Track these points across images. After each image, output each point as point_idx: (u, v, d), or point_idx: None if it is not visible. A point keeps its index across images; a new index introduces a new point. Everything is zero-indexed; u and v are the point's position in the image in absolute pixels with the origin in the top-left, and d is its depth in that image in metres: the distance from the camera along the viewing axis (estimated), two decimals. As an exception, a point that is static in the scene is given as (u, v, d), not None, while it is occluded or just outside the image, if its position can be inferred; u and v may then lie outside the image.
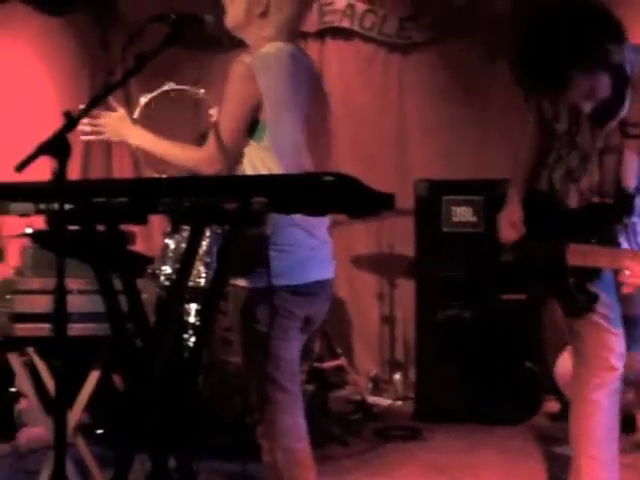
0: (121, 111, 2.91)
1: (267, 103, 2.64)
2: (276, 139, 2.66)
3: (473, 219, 5.13)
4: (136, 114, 3.40)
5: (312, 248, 2.74)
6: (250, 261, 2.67)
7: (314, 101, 2.80)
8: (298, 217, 2.39)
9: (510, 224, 3.21)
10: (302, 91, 2.72)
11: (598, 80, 2.81)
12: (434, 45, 6.00)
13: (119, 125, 2.90)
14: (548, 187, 3.15)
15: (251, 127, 2.69)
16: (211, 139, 2.73)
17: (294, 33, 2.83)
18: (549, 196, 3.15)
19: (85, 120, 2.85)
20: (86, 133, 2.90)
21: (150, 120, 6.53)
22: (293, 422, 2.80)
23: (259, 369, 2.73)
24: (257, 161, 2.70)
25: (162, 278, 4.37)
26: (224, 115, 2.71)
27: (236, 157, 2.73)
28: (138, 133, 2.90)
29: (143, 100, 3.52)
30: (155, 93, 3.54)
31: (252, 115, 2.67)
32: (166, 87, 3.59)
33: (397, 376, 5.87)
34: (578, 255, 2.97)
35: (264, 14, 2.76)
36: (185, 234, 4.48)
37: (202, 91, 3.70)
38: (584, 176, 3.04)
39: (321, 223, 2.75)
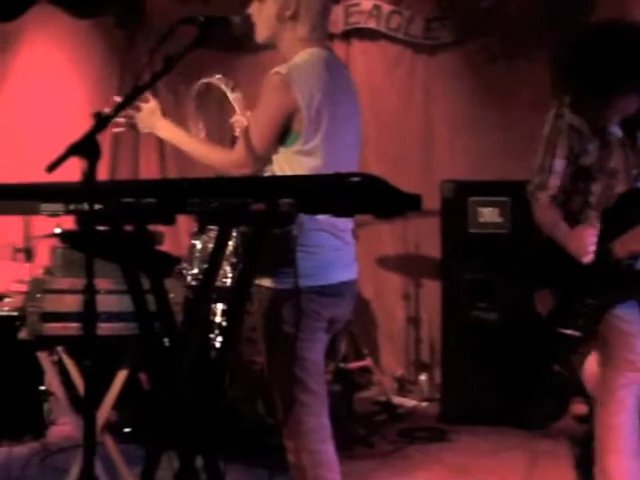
0: (153, 103, 2.92)
1: (304, 112, 2.66)
2: (314, 146, 2.69)
3: (499, 220, 5.12)
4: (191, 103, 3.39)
5: (337, 249, 2.76)
6: (276, 262, 2.69)
7: (346, 103, 2.82)
8: (323, 219, 2.41)
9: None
10: (336, 96, 2.74)
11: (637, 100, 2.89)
12: (460, 46, 5.98)
13: (150, 117, 2.92)
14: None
15: (283, 135, 2.70)
16: (240, 143, 2.74)
17: (324, 31, 2.84)
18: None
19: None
20: (118, 125, 2.92)
21: (179, 121, 6.60)
22: (318, 423, 2.81)
23: (284, 370, 2.74)
24: (286, 166, 2.71)
25: (189, 278, 4.39)
26: (257, 123, 2.72)
27: (264, 162, 2.75)
28: (168, 127, 2.92)
29: (193, 89, 3.50)
30: (200, 85, 3.52)
31: (285, 124, 2.68)
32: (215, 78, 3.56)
33: (423, 377, 5.86)
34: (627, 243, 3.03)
35: (295, 16, 2.76)
36: (212, 234, 4.50)
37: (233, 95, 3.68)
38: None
39: (345, 225, 2.76)
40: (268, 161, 2.75)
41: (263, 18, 2.79)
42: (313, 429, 2.80)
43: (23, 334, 3.11)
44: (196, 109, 3.39)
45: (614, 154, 3.10)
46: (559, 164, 3.18)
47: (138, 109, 2.92)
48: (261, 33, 2.83)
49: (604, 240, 3.04)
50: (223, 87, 3.62)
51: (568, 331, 3.18)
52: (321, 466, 2.80)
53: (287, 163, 2.71)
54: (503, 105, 5.84)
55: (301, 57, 2.74)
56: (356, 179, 2.04)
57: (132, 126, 2.94)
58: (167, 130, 2.91)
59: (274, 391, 2.83)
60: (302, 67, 2.70)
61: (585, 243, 3.04)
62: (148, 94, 2.90)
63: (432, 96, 6.07)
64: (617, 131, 3.11)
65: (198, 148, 2.86)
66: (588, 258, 3.05)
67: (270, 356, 2.81)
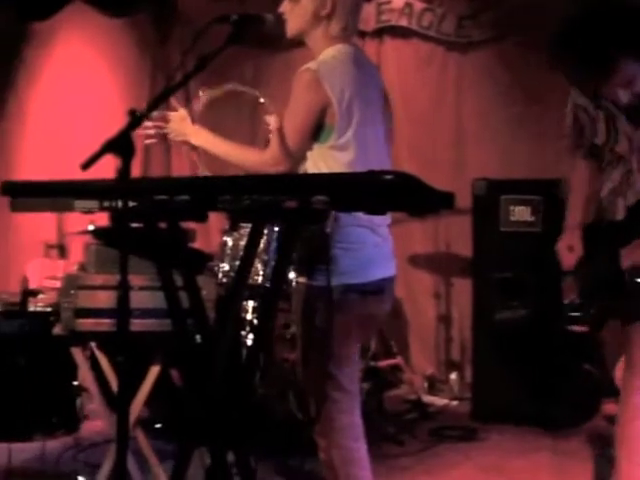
0: (182, 111, 2.94)
1: (336, 106, 2.67)
2: (346, 140, 2.70)
3: (531, 219, 5.09)
4: (199, 106, 3.40)
5: (376, 245, 2.76)
6: (313, 258, 2.71)
7: (374, 98, 2.82)
8: (362, 216, 2.42)
9: (567, 248, 3.18)
10: (365, 91, 2.75)
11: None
12: (493, 44, 5.95)
13: (181, 125, 2.94)
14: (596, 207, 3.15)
15: (317, 130, 2.72)
16: (274, 142, 2.75)
17: (355, 28, 2.87)
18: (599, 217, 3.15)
19: (148, 123, 2.89)
20: (149, 137, 2.94)
21: (207, 119, 6.63)
22: (350, 421, 2.82)
23: (318, 367, 2.75)
24: (320, 162, 2.72)
25: (220, 275, 4.41)
26: (291, 122, 2.73)
27: (298, 160, 2.76)
28: (200, 133, 2.94)
29: (203, 97, 3.52)
30: (217, 92, 3.54)
31: (318, 120, 2.70)
32: (230, 86, 3.59)
33: (453, 376, 5.85)
34: (630, 254, 2.96)
35: (331, 14, 2.78)
36: (243, 232, 4.52)
37: (262, 100, 3.69)
38: (629, 190, 3.04)
39: (383, 221, 2.76)
40: (302, 159, 2.76)
41: (297, 14, 2.81)
42: (345, 427, 2.80)
43: (57, 329, 3.14)
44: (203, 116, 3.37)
45: (621, 139, 3.04)
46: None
47: (167, 120, 2.93)
48: (293, 28, 2.85)
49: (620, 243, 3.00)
50: (247, 90, 3.60)
51: (575, 327, 3.16)
52: (352, 464, 2.81)
53: (322, 159, 2.72)
54: (536, 103, 5.81)
55: (329, 53, 2.76)
56: (389, 177, 2.04)
57: (163, 136, 2.96)
58: (199, 136, 2.94)
59: (307, 388, 2.85)
60: (331, 63, 2.73)
61: None
62: (176, 103, 2.93)
63: (464, 94, 6.05)
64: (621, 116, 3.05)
65: (232, 151, 2.88)
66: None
67: (305, 352, 2.82)
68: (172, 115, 2.93)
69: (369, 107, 2.78)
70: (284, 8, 2.83)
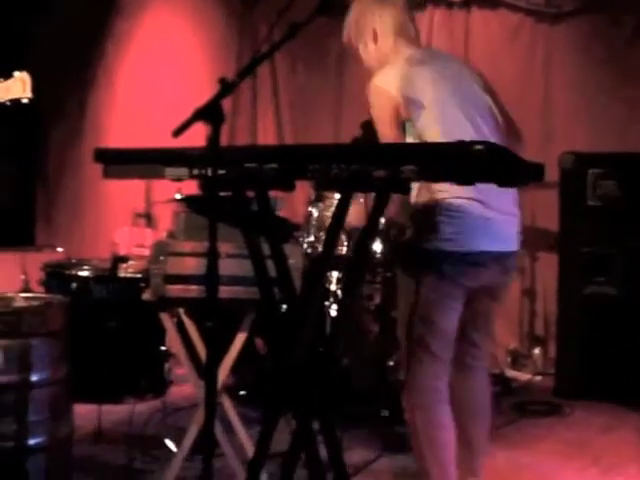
0: None
1: (402, 100, 2.81)
2: (425, 122, 2.79)
3: (619, 193, 5.00)
4: None
5: (486, 219, 2.75)
6: (421, 224, 2.77)
7: (459, 82, 2.88)
8: (470, 187, 2.44)
9: None
10: (441, 78, 2.88)
11: None
12: (583, 15, 5.83)
13: None
14: None
15: (402, 125, 2.85)
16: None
17: (409, 35, 3.07)
18: None
19: None
20: None
21: (291, 81, 6.67)
22: (435, 385, 2.84)
23: (412, 329, 2.78)
24: None
25: (305, 246, 4.44)
26: (382, 133, 2.86)
27: None
28: None
29: None
30: None
31: (397, 117, 2.85)
32: None
33: (536, 351, 5.79)
34: None
35: (375, 38, 3.03)
36: (328, 202, 4.53)
37: None
38: None
39: (502, 195, 2.70)
40: None
41: (378, 46, 3.04)
42: (429, 389, 2.83)
43: (146, 295, 3.20)
44: None
45: None
46: None
47: None
48: (372, 60, 3.07)
49: None
50: None
51: None
52: (434, 426, 2.83)
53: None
54: (626, 77, 5.69)
55: (385, 68, 2.95)
56: (479, 147, 2.02)
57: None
58: None
59: (402, 349, 2.89)
60: (384, 72, 2.92)
61: None
62: None
63: (553, 66, 5.95)
64: None
65: None
66: None
67: (403, 314, 2.85)
68: None
69: (450, 90, 2.90)
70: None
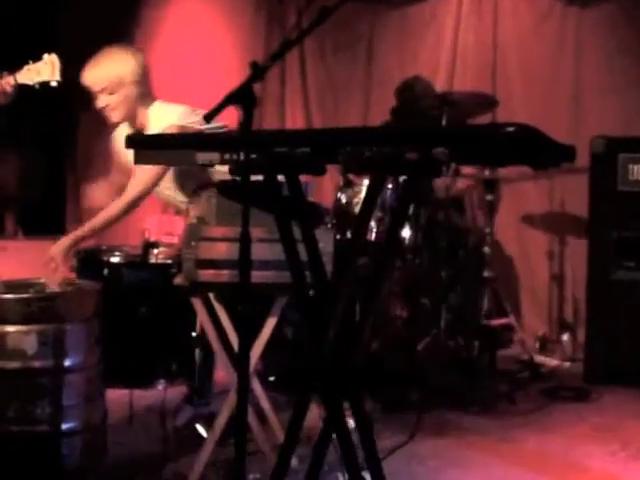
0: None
1: None
2: None
3: (650, 178, 4.98)
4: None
5: None
6: None
7: None
8: None
9: None
10: None
11: None
12: (615, -2, 5.80)
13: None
14: None
15: None
16: None
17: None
18: None
19: None
20: None
21: (319, 69, 6.66)
22: None
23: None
24: None
25: (333, 232, 4.45)
26: None
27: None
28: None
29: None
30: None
31: None
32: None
33: (565, 337, 5.77)
34: None
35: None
36: (357, 189, 4.54)
37: None
38: None
39: None
40: None
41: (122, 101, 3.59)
42: None
43: (178, 280, 3.22)
44: None
45: None
46: None
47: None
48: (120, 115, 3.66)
49: None
50: None
51: None
52: None
53: None
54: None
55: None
56: (511, 129, 2.02)
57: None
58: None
59: None
60: None
61: None
62: None
63: (584, 50, 5.91)
64: None
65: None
66: None
67: None
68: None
69: None
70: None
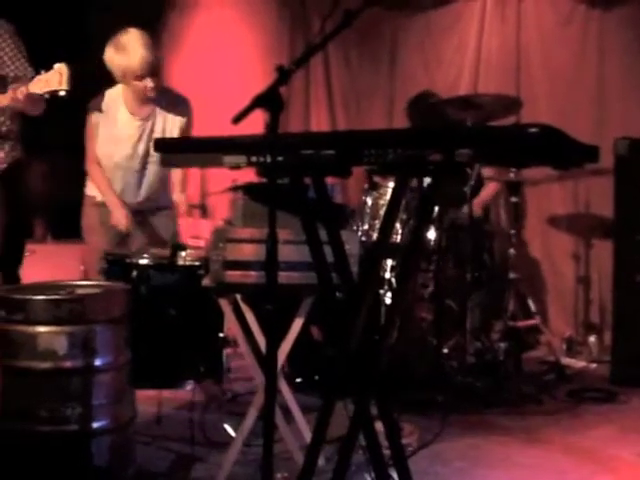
0: None
1: None
2: None
3: (676, 180, 4.96)
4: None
5: None
6: None
7: None
8: None
9: None
10: None
11: None
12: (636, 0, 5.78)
13: None
14: None
15: None
16: None
17: None
18: None
19: None
20: None
21: (343, 76, 6.69)
22: None
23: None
24: None
25: (359, 234, 4.47)
26: None
27: None
28: None
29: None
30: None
31: None
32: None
33: (592, 338, 5.76)
34: None
35: None
36: (382, 191, 4.56)
37: None
38: None
39: None
40: None
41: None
42: None
43: (206, 281, 3.26)
44: None
45: None
46: None
47: None
48: None
49: None
50: None
51: None
52: None
53: None
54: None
55: None
56: (535, 130, 2.04)
57: None
58: None
59: None
60: None
61: None
62: None
63: (607, 52, 5.89)
64: None
65: None
66: None
67: None
68: None
69: None
70: None
